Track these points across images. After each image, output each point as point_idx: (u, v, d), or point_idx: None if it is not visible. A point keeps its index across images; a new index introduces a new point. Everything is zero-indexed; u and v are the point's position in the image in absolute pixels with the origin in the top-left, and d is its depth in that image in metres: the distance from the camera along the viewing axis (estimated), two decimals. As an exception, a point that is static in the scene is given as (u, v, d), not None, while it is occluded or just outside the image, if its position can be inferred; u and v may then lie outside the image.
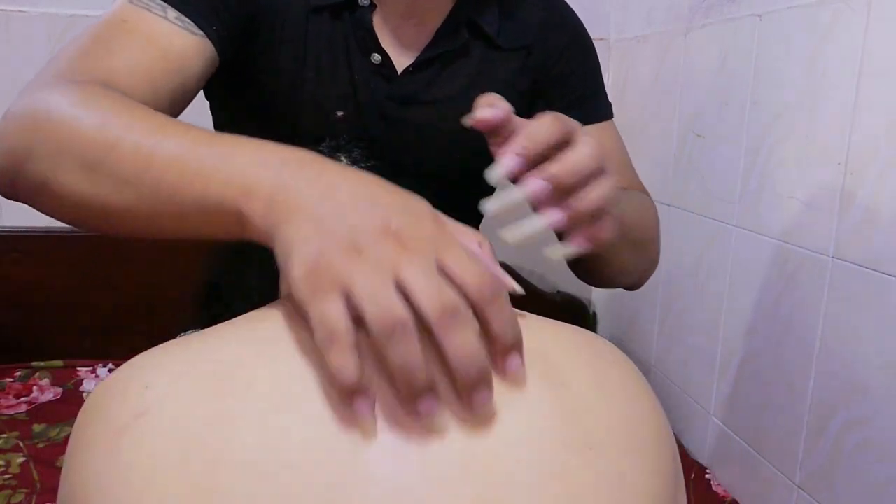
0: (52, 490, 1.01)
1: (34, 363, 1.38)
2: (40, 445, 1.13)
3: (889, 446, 0.82)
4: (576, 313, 1.59)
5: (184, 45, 0.62)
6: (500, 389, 0.41)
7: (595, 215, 0.48)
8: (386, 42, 0.74)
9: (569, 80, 0.82)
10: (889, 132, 0.81)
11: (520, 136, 0.46)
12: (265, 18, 0.70)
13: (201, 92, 0.78)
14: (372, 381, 0.38)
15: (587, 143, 0.47)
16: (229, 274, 0.58)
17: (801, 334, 0.96)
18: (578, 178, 0.46)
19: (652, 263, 0.81)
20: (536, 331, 0.47)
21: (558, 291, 1.63)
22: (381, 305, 0.35)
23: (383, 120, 0.75)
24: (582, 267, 0.74)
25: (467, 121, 0.48)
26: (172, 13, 0.63)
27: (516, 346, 0.39)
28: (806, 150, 0.94)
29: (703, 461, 1.22)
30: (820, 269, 0.92)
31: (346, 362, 0.36)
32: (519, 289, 0.43)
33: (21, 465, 1.07)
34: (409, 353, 0.35)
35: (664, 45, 1.34)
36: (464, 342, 0.36)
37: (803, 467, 0.96)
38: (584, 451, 0.40)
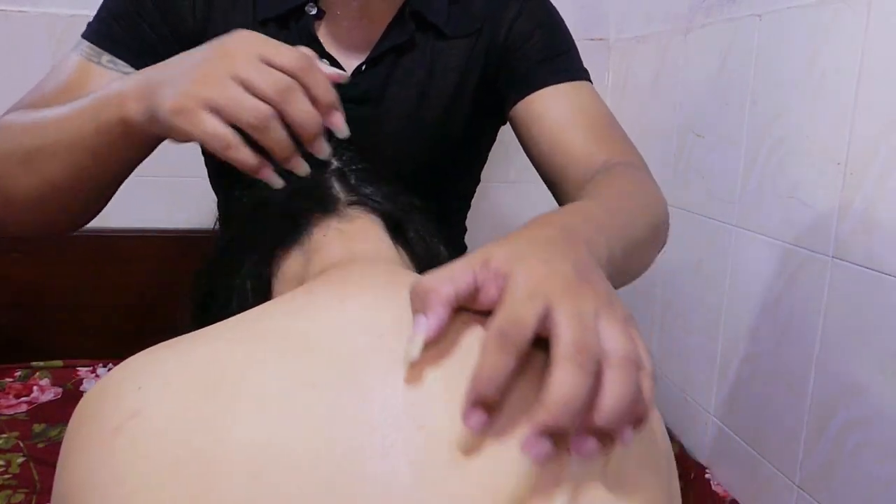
0: (51, 490, 1.01)
1: (34, 363, 1.38)
2: (40, 445, 1.13)
3: (889, 446, 0.82)
4: (576, 313, 1.59)
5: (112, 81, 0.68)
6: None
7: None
8: (334, 46, 0.77)
9: (525, 44, 0.80)
10: (889, 132, 0.81)
11: (474, 381, 0.37)
12: (209, 39, 0.73)
13: None
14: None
15: (566, 316, 0.36)
16: (224, 277, 0.58)
17: (801, 334, 0.96)
18: (579, 408, 0.35)
19: (664, 237, 0.74)
20: None
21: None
22: (246, 106, 0.48)
23: (349, 150, 0.75)
24: None
25: (410, 356, 0.40)
26: (105, 57, 0.71)
27: (334, 104, 0.52)
28: (806, 150, 0.94)
29: (703, 461, 1.22)
30: (820, 269, 0.92)
31: (245, 154, 0.50)
32: (343, 73, 0.55)
33: (21, 464, 1.07)
34: (279, 138, 0.50)
35: (664, 45, 1.34)
36: (299, 105, 0.50)
37: (803, 467, 0.96)
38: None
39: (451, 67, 0.80)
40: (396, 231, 0.59)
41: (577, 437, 0.36)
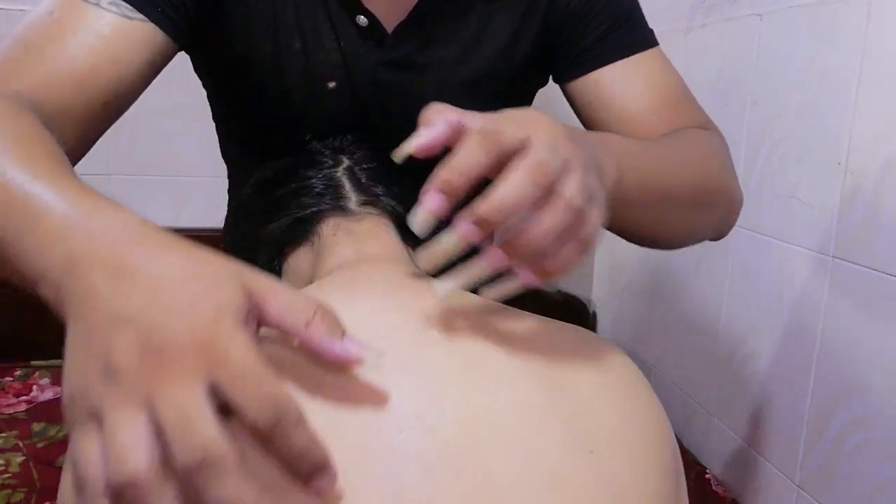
0: (51, 489, 1.01)
1: (34, 362, 1.38)
2: (40, 445, 1.13)
3: (889, 446, 0.82)
4: (576, 312, 1.59)
5: (117, 32, 0.56)
6: (498, 392, 0.40)
7: (548, 246, 0.39)
8: (372, 1, 0.66)
9: (590, 14, 0.71)
10: (889, 132, 0.81)
11: (441, 168, 0.38)
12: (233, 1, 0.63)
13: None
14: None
15: (540, 142, 0.38)
16: None
17: (801, 334, 0.96)
18: (511, 211, 0.37)
19: (724, 211, 0.69)
20: (537, 331, 0.46)
21: (559, 290, 1.63)
22: (118, 457, 0.29)
23: (377, 88, 0.68)
24: (631, 237, 0.61)
25: (400, 154, 0.41)
26: (137, 15, 0.57)
27: (319, 465, 0.32)
28: (806, 150, 0.94)
29: (703, 461, 1.22)
30: (820, 269, 0.92)
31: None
32: (359, 356, 0.36)
33: (21, 464, 1.07)
34: None
35: (664, 45, 1.33)
36: (221, 498, 0.29)
37: (803, 467, 0.96)
38: (585, 454, 0.40)
39: (501, 31, 0.70)
40: (406, 231, 0.58)
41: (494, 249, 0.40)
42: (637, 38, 0.73)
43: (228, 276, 0.33)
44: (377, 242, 0.56)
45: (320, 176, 0.59)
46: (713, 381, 1.19)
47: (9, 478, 1.04)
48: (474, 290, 0.45)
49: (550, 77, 0.77)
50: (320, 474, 0.33)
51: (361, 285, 0.49)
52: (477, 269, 0.41)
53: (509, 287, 0.42)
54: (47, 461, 1.09)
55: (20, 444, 1.13)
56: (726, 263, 1.14)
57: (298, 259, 0.57)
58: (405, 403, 0.39)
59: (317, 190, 0.59)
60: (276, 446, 0.31)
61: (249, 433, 0.31)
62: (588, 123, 0.73)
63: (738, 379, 1.11)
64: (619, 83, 0.70)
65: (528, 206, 0.38)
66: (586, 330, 0.50)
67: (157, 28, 0.57)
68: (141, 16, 0.57)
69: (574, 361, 0.44)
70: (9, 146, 0.40)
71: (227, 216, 0.80)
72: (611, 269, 1.62)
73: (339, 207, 0.58)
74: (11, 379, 1.34)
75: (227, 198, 0.89)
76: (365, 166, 0.61)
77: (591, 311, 1.65)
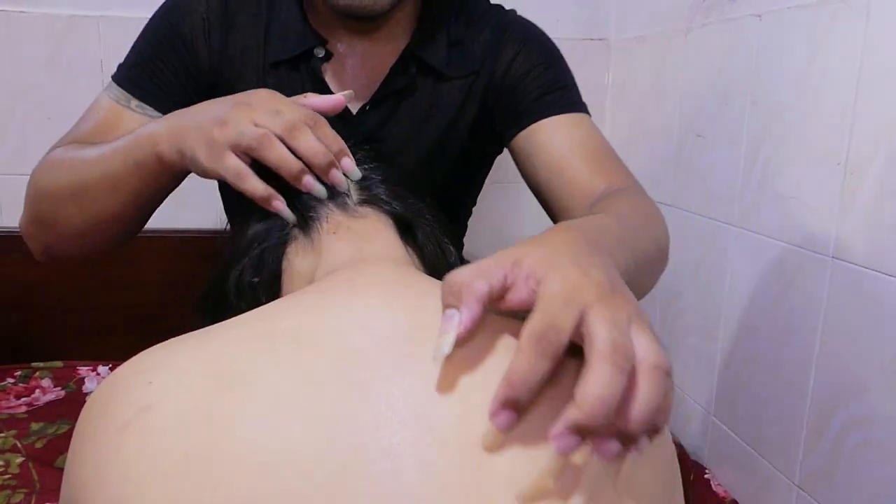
0: (51, 490, 1.01)
1: (34, 363, 1.38)
2: (38, 444, 1.13)
3: (889, 446, 0.82)
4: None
5: (140, 124, 0.73)
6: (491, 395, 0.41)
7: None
8: (340, 87, 0.81)
9: (523, 81, 0.82)
10: (889, 132, 0.81)
11: (503, 383, 0.37)
12: (221, 79, 0.82)
13: None
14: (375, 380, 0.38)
15: (600, 320, 0.37)
16: (235, 274, 0.59)
17: (801, 334, 0.96)
18: (611, 410, 0.35)
19: (667, 256, 0.76)
20: None
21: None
22: (248, 132, 0.57)
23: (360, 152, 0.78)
24: None
25: (439, 355, 0.39)
26: (134, 102, 0.79)
27: (342, 152, 0.59)
28: (806, 150, 0.94)
29: (703, 461, 1.22)
30: (820, 269, 0.92)
31: (254, 184, 0.57)
32: (341, 98, 0.64)
33: (20, 464, 1.07)
34: (281, 154, 0.57)
35: (664, 45, 1.34)
36: (307, 141, 0.57)
37: (803, 467, 0.96)
38: (585, 450, 0.40)
39: (449, 105, 0.83)
40: (406, 231, 0.60)
41: (602, 438, 0.36)
42: (570, 102, 0.83)
43: (261, 90, 0.63)
44: (377, 242, 0.57)
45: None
46: (713, 381, 1.19)
47: (9, 478, 1.04)
48: None
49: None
50: (344, 157, 0.60)
51: (361, 284, 0.49)
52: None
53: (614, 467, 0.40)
54: (47, 461, 1.09)
55: (19, 444, 1.13)
56: (726, 263, 1.14)
57: (298, 257, 0.58)
58: (404, 402, 0.39)
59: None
60: (320, 134, 0.58)
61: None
62: (526, 173, 0.82)
63: (738, 379, 1.11)
64: (553, 134, 0.80)
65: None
66: None
67: None
68: (159, 114, 0.78)
69: (569, 359, 0.45)
70: (87, 147, 0.72)
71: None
72: (611, 269, 1.62)
73: (339, 205, 0.59)
74: (13, 380, 1.34)
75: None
76: (367, 165, 0.62)
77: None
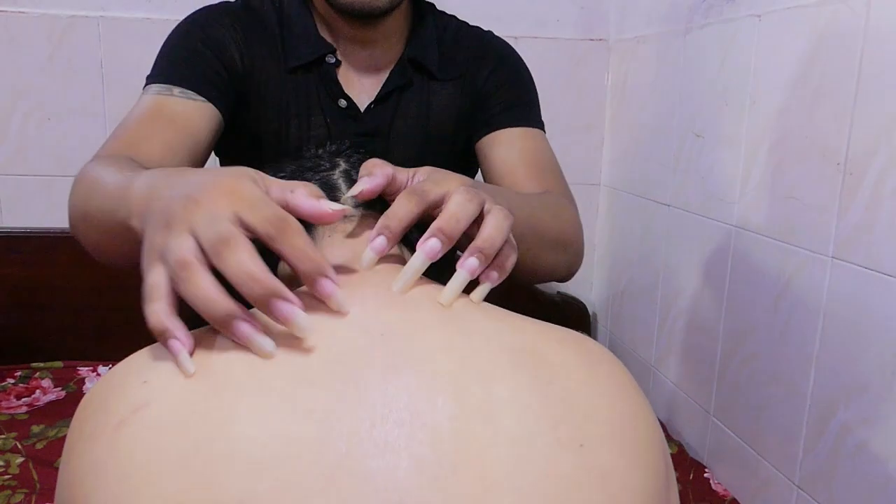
0: (51, 490, 1.01)
1: (34, 364, 1.38)
2: (39, 446, 1.13)
3: (889, 446, 0.82)
4: (575, 314, 1.59)
5: (187, 109, 0.81)
6: (490, 390, 0.41)
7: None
8: (349, 89, 0.91)
9: (496, 93, 0.96)
10: (889, 132, 0.81)
11: (383, 218, 0.51)
12: (251, 83, 0.88)
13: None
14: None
15: (457, 192, 0.51)
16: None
17: (801, 334, 0.96)
18: (463, 224, 0.50)
19: (574, 257, 0.89)
20: (528, 332, 0.47)
21: (558, 292, 1.63)
22: (172, 251, 0.42)
23: (357, 153, 0.83)
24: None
25: (348, 195, 0.55)
26: (176, 89, 0.82)
27: (318, 270, 0.44)
28: (806, 150, 0.94)
29: (703, 461, 1.22)
30: (820, 269, 0.92)
31: (152, 312, 0.43)
32: (335, 208, 0.48)
33: (20, 465, 1.08)
34: (201, 292, 0.42)
35: (664, 45, 1.34)
36: (238, 264, 0.41)
37: (803, 467, 0.96)
38: (576, 448, 0.40)
39: (445, 104, 0.95)
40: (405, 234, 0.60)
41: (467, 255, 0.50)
42: (529, 117, 0.95)
43: (242, 170, 0.48)
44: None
45: (317, 178, 0.61)
46: (713, 381, 1.19)
47: (9, 479, 1.04)
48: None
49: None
50: (321, 280, 0.44)
51: (354, 286, 0.50)
52: (461, 276, 0.50)
53: (485, 288, 0.52)
54: (47, 462, 1.09)
55: (19, 445, 1.13)
56: (726, 263, 1.14)
57: None
58: (400, 399, 0.40)
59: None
60: (285, 252, 0.43)
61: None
62: (484, 174, 0.95)
63: (738, 379, 1.11)
64: (507, 143, 0.92)
65: (470, 222, 0.50)
66: (575, 331, 0.51)
67: (213, 106, 0.82)
68: (202, 98, 0.82)
69: (564, 360, 0.45)
70: (108, 169, 0.65)
71: None
72: (610, 270, 1.62)
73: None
74: (13, 381, 1.34)
75: None
76: (359, 171, 0.62)
77: (590, 312, 1.65)
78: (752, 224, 1.07)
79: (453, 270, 0.51)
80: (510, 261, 0.54)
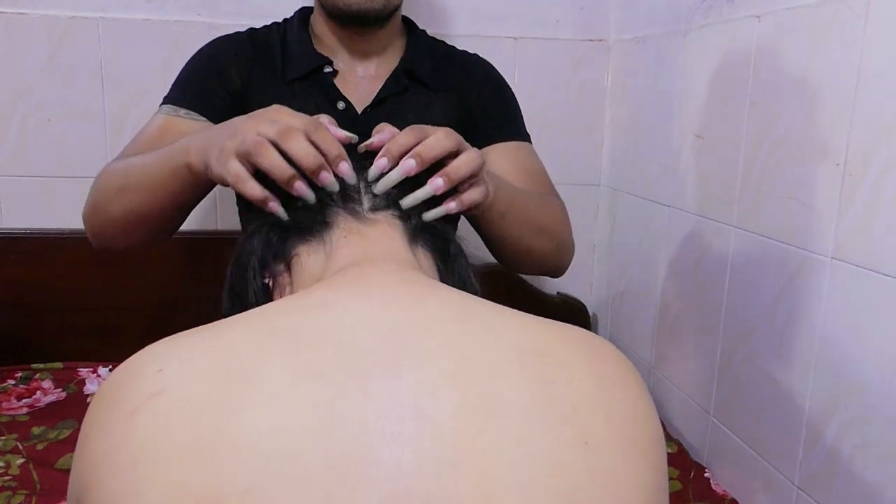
0: (51, 491, 1.01)
1: (34, 365, 1.38)
2: (39, 447, 1.13)
3: (889, 446, 0.82)
4: (575, 314, 1.60)
5: (191, 127, 0.93)
6: (495, 387, 0.41)
7: (467, 182, 0.66)
8: (347, 93, 1.00)
9: (486, 108, 1.06)
10: (889, 132, 0.81)
11: (388, 144, 0.64)
12: (251, 97, 1.00)
13: None
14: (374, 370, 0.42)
15: (441, 132, 0.64)
16: (249, 272, 0.63)
17: (801, 334, 0.96)
18: (438, 152, 0.63)
19: (563, 250, 0.97)
20: (534, 329, 0.48)
21: (558, 293, 1.63)
22: (247, 139, 0.61)
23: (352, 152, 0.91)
24: (494, 251, 0.89)
25: (361, 148, 0.66)
26: (182, 111, 0.96)
27: (340, 156, 0.62)
28: (806, 150, 0.94)
29: (703, 461, 1.22)
30: (820, 269, 0.92)
31: (251, 187, 0.62)
32: (347, 134, 0.66)
33: (21, 466, 1.08)
34: (273, 159, 0.60)
35: (664, 45, 1.34)
36: (298, 145, 0.60)
37: (803, 467, 0.96)
38: (580, 445, 0.41)
39: (436, 113, 1.03)
40: (415, 236, 0.62)
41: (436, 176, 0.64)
42: (517, 132, 1.07)
43: (275, 106, 0.67)
44: (384, 245, 0.59)
45: (341, 179, 0.64)
46: (713, 381, 1.19)
47: (9, 480, 1.04)
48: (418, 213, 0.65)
49: None
50: (342, 160, 0.62)
51: (365, 283, 0.51)
52: (425, 189, 0.63)
53: (439, 211, 0.65)
54: (47, 463, 1.09)
55: (20, 446, 1.13)
56: (726, 263, 1.14)
57: (311, 258, 0.60)
58: (404, 395, 0.40)
59: (334, 193, 0.64)
60: (315, 140, 0.61)
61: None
62: None
63: (738, 379, 1.12)
64: (498, 156, 1.01)
65: (444, 153, 0.64)
66: (582, 329, 0.51)
67: (214, 123, 0.91)
68: (203, 118, 0.95)
69: (568, 356, 0.46)
70: (138, 156, 0.84)
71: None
72: (610, 270, 1.62)
73: (351, 211, 0.61)
74: (14, 382, 1.34)
75: (225, 200, 1.16)
76: (385, 173, 0.64)
77: (590, 312, 1.65)
78: (753, 224, 1.07)
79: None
80: (471, 196, 0.67)
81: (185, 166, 0.72)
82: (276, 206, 0.62)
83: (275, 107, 0.66)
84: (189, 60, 1.04)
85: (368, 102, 1.01)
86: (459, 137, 0.66)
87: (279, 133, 0.61)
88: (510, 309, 0.50)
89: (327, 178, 0.61)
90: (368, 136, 0.94)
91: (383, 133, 0.65)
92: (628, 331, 1.54)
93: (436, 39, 1.12)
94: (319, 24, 1.04)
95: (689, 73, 1.25)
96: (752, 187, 1.06)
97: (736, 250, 1.11)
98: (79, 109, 1.41)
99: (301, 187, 0.61)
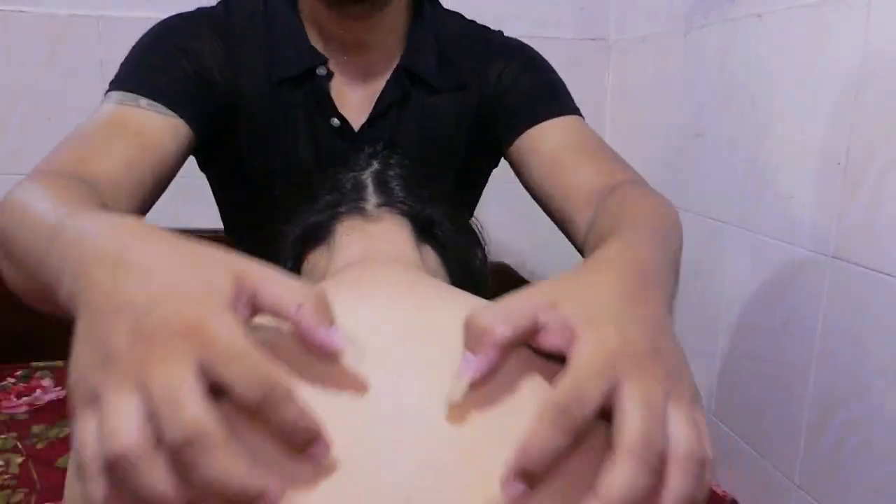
0: (51, 489, 1.01)
1: (34, 363, 1.38)
2: (39, 446, 1.13)
3: (889, 446, 0.82)
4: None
5: (155, 125, 0.71)
6: (500, 391, 0.41)
7: None
8: (342, 106, 0.82)
9: (514, 88, 0.85)
10: (889, 132, 0.81)
11: (516, 451, 0.35)
12: (232, 99, 0.79)
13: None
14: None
15: (629, 433, 0.34)
16: None
17: (801, 334, 0.96)
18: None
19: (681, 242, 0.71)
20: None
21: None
22: (110, 433, 0.31)
23: (394, 154, 0.79)
24: None
25: (454, 396, 0.38)
26: (144, 101, 0.72)
27: (311, 435, 0.34)
28: (806, 150, 0.94)
29: (703, 461, 1.22)
30: (820, 269, 0.92)
31: (94, 487, 0.32)
32: (340, 346, 0.37)
33: (20, 464, 1.08)
34: (145, 483, 0.30)
35: (664, 45, 1.34)
36: (209, 474, 0.30)
37: (803, 467, 0.96)
38: (585, 450, 0.40)
39: (444, 116, 0.86)
40: (425, 234, 0.60)
41: None
42: (560, 106, 0.84)
43: (217, 262, 0.35)
44: (389, 244, 0.58)
45: (350, 176, 0.62)
46: (713, 381, 1.19)
47: (9, 478, 1.04)
48: None
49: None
50: (314, 444, 0.35)
51: (367, 284, 0.50)
52: None
53: None
54: (47, 462, 1.09)
55: (19, 444, 1.13)
56: (726, 263, 1.14)
57: (316, 257, 0.59)
58: (408, 399, 0.40)
59: (344, 190, 0.62)
60: (268, 420, 0.33)
61: (243, 410, 0.32)
62: (524, 180, 0.83)
63: (738, 379, 1.12)
64: (545, 138, 0.81)
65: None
66: None
67: (184, 122, 0.73)
68: (172, 113, 0.72)
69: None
70: (51, 198, 0.51)
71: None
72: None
73: (357, 209, 0.60)
74: (14, 380, 1.34)
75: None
76: (391, 173, 0.63)
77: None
78: (753, 224, 1.07)
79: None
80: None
81: (51, 293, 0.44)
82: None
83: (211, 286, 0.34)
84: (145, 37, 0.80)
85: (366, 116, 0.83)
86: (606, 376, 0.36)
87: (182, 441, 0.30)
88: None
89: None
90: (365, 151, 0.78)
91: (483, 360, 0.38)
92: (628, 330, 1.54)
93: (446, 16, 0.90)
94: (309, 3, 0.83)
95: (689, 72, 1.25)
96: (752, 186, 1.06)
97: (736, 250, 1.11)
98: (79, 109, 1.40)
99: None
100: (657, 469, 0.34)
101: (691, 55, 1.24)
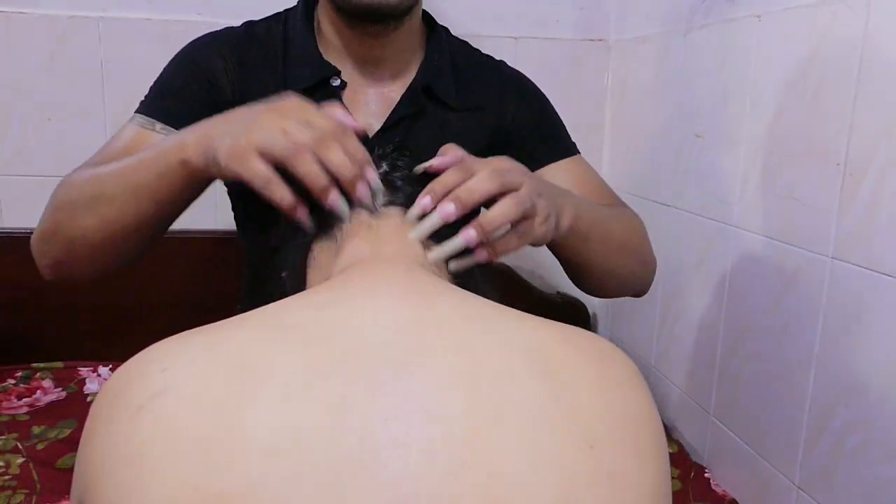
0: (51, 490, 1.01)
1: (34, 364, 1.38)
2: (39, 447, 1.13)
3: (889, 446, 0.82)
4: (575, 314, 1.59)
5: None
6: (502, 388, 0.41)
7: (506, 229, 0.61)
8: (356, 113, 0.86)
9: (522, 130, 0.95)
10: (889, 132, 0.81)
11: (460, 189, 0.59)
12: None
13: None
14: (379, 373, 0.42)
15: (485, 171, 0.60)
16: (266, 267, 0.64)
17: (801, 334, 0.96)
18: (478, 196, 0.59)
19: (646, 267, 0.90)
20: (538, 331, 0.48)
21: (558, 292, 1.63)
22: (281, 142, 0.57)
23: (403, 157, 0.83)
24: (577, 278, 0.84)
25: (418, 169, 0.62)
26: (159, 125, 0.83)
27: (366, 160, 0.59)
28: (806, 150, 0.94)
29: (703, 461, 1.22)
30: (820, 269, 0.92)
31: (283, 192, 0.57)
32: (363, 128, 0.63)
33: (21, 465, 1.08)
34: (312, 168, 0.57)
35: (664, 45, 1.34)
36: (337, 155, 0.57)
37: (803, 467, 0.96)
38: (586, 449, 0.41)
39: (459, 130, 0.92)
40: (431, 233, 0.62)
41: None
42: (565, 147, 0.97)
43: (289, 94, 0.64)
44: (395, 242, 0.59)
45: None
46: (713, 381, 1.19)
47: (9, 479, 1.04)
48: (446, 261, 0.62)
49: None
50: (367, 165, 0.60)
51: (373, 282, 0.51)
52: (456, 241, 0.59)
53: (468, 260, 0.60)
54: (47, 463, 1.09)
55: (20, 445, 1.13)
56: (726, 263, 1.14)
57: (323, 253, 0.60)
58: (412, 396, 0.40)
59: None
60: (347, 147, 0.58)
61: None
62: None
63: (738, 379, 1.12)
64: (558, 178, 0.90)
65: (484, 197, 0.59)
66: (586, 330, 0.51)
67: None
68: None
69: (575, 360, 0.46)
70: (109, 164, 0.73)
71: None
72: (611, 269, 1.62)
73: (365, 206, 0.61)
74: (14, 381, 1.34)
75: (225, 199, 0.99)
76: (399, 174, 0.64)
77: (590, 312, 1.65)
78: (752, 224, 1.07)
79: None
80: (506, 246, 0.62)
81: (178, 164, 0.63)
82: (304, 215, 0.58)
83: (294, 100, 0.61)
84: (172, 61, 0.91)
85: (380, 125, 0.89)
86: (506, 178, 0.60)
87: (316, 140, 0.57)
88: (517, 311, 0.50)
89: (362, 190, 0.58)
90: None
91: (446, 157, 0.61)
92: (628, 331, 1.54)
93: (457, 42, 0.99)
94: (325, 20, 0.90)
95: (689, 72, 1.25)
96: (752, 186, 1.06)
97: (736, 250, 1.11)
98: (79, 109, 1.41)
99: (335, 200, 0.57)
100: (521, 214, 0.60)
101: (691, 55, 1.24)
